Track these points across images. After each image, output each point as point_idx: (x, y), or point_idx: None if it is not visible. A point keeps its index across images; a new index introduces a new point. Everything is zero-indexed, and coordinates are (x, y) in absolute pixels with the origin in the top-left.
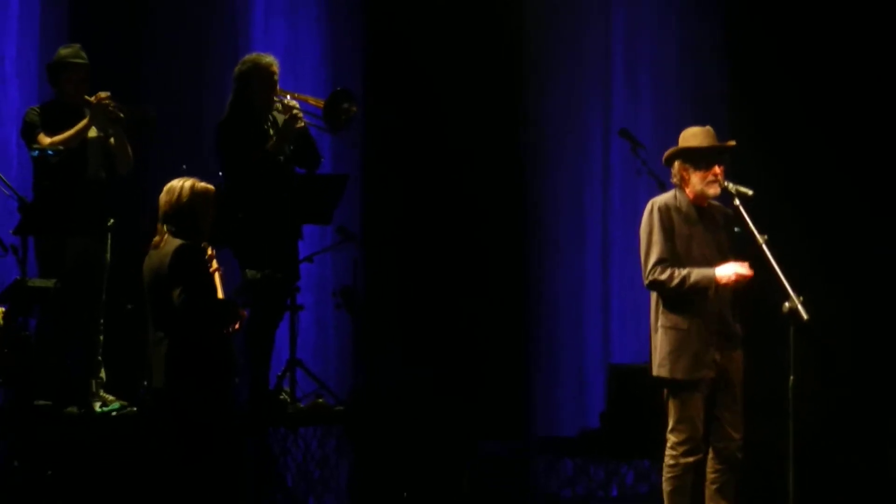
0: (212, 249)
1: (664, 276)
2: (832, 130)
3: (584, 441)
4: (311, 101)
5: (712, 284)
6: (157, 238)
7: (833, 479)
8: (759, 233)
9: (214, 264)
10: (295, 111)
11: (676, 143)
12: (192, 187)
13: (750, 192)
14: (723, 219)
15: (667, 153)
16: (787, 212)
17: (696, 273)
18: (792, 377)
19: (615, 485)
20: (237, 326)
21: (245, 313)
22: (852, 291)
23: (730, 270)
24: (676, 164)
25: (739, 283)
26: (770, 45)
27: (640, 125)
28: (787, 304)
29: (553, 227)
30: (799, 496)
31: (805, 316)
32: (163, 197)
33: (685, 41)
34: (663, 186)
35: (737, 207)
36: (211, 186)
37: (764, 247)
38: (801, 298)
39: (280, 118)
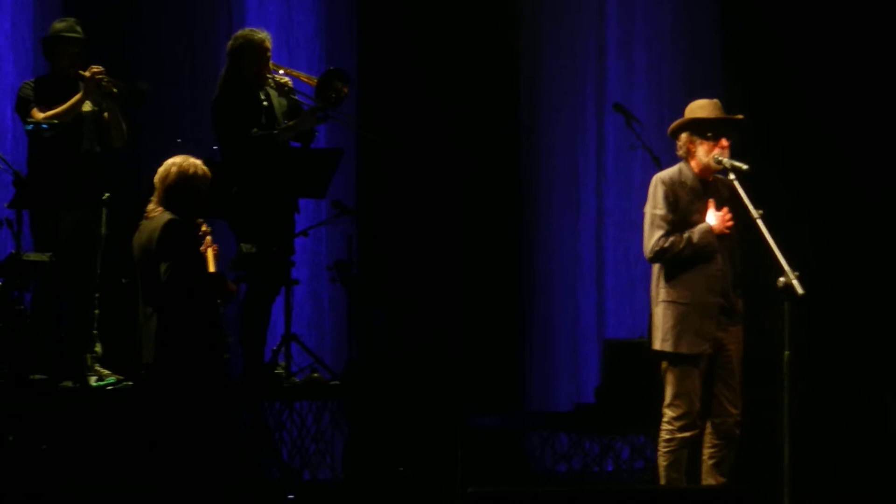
0: (206, 226)
1: (668, 244)
2: (829, 105)
3: (579, 416)
4: (304, 78)
5: (713, 236)
6: (150, 207)
7: (829, 448)
8: (755, 208)
9: (208, 240)
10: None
11: (673, 116)
12: (203, 169)
13: (745, 167)
14: (728, 192)
15: (673, 124)
16: (784, 187)
17: (697, 231)
18: (787, 352)
19: (610, 460)
20: (228, 299)
21: (235, 287)
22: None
23: (715, 217)
24: (683, 135)
25: (729, 227)
26: (765, 19)
27: (634, 99)
28: (781, 280)
29: (547, 201)
30: (794, 469)
31: (800, 291)
32: (172, 170)
33: (680, 15)
34: (658, 160)
35: (732, 182)
36: (209, 172)
37: (759, 222)
38: (797, 273)
39: (273, 94)
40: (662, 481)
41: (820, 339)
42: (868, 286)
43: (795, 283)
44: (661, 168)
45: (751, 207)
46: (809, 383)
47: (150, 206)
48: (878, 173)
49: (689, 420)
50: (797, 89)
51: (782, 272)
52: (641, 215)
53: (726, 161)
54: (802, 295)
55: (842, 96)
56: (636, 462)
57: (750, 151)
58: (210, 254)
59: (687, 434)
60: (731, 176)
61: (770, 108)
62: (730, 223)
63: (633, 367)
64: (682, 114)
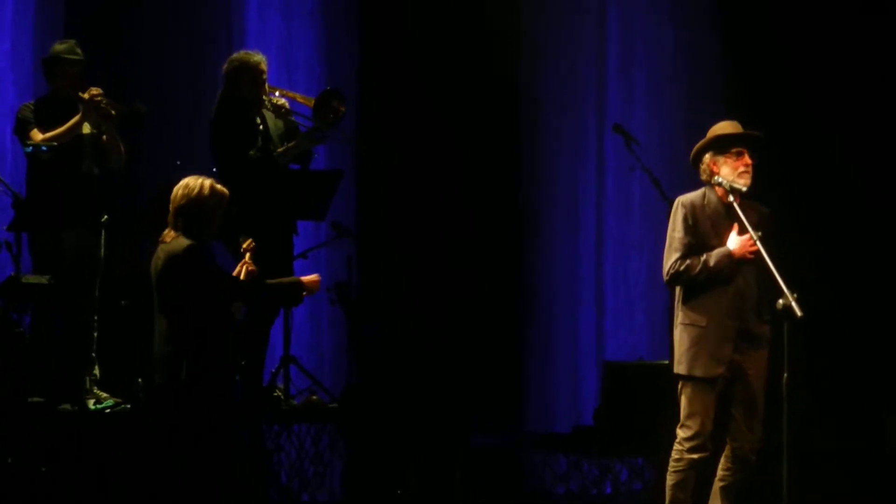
0: (250, 241)
1: (683, 267)
2: (834, 121)
3: (578, 437)
4: (301, 99)
5: (731, 260)
6: (166, 232)
7: (828, 467)
8: (754, 229)
9: (247, 257)
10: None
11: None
12: (213, 187)
13: (743, 188)
14: (757, 216)
15: (695, 148)
16: (786, 204)
17: (714, 255)
18: (786, 374)
19: (609, 482)
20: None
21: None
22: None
23: (737, 241)
24: (706, 157)
25: (751, 253)
26: (766, 41)
27: (634, 119)
28: (781, 301)
29: (547, 222)
30: (794, 491)
31: (799, 313)
32: (179, 192)
33: (680, 35)
34: (657, 182)
35: (731, 203)
36: (226, 190)
37: (758, 243)
38: (796, 295)
39: (269, 116)
40: (668, 501)
41: (817, 355)
42: (867, 303)
43: (794, 304)
44: (662, 190)
45: (750, 229)
46: (806, 400)
47: (166, 231)
48: (881, 191)
49: (700, 441)
50: (801, 107)
51: (781, 294)
52: (641, 236)
53: (725, 182)
54: (801, 317)
55: (847, 113)
56: (634, 484)
57: (753, 168)
58: (243, 273)
59: (695, 456)
60: (730, 197)
61: (774, 126)
62: (753, 248)
63: (632, 389)
64: (684, 134)
